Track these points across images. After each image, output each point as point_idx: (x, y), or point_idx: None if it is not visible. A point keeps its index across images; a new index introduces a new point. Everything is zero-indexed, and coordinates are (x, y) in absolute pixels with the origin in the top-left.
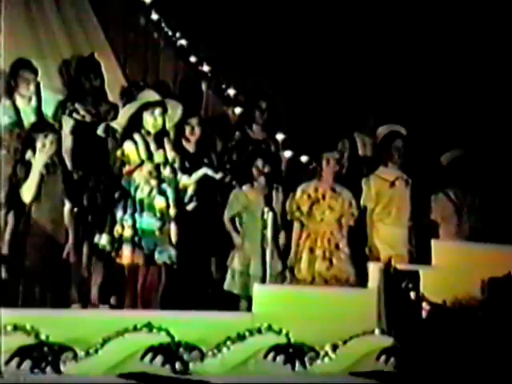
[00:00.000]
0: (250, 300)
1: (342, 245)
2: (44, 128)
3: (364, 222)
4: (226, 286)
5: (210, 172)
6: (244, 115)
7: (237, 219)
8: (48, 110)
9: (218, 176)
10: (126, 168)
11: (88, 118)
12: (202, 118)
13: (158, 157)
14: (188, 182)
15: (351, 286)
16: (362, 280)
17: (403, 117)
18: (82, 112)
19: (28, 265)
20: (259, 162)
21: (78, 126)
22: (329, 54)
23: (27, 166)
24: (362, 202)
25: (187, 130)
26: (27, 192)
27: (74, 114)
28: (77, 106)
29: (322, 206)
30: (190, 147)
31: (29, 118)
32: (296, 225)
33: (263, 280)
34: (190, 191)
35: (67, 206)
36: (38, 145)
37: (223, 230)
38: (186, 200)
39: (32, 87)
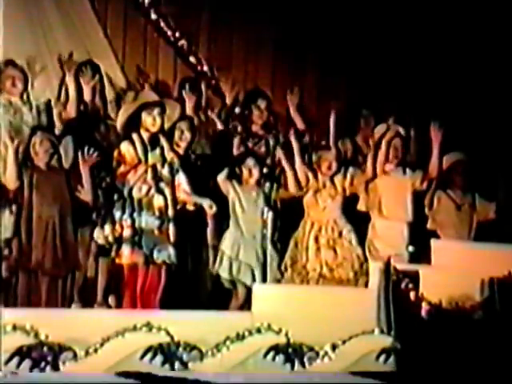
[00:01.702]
0: (246, 293)
1: (346, 232)
2: (44, 126)
3: (363, 218)
4: (215, 269)
5: (206, 206)
6: (243, 114)
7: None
8: (47, 108)
9: (212, 211)
10: (121, 169)
11: (89, 116)
12: (192, 122)
13: (156, 156)
14: (186, 199)
15: (356, 275)
16: (364, 271)
17: (404, 116)
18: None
19: (29, 264)
20: (250, 162)
21: (80, 124)
22: (329, 53)
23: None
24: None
25: (176, 134)
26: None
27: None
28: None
29: (324, 194)
30: (180, 151)
31: (26, 116)
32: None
33: (264, 279)
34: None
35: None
36: (39, 142)
37: (223, 229)
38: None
39: (20, 85)
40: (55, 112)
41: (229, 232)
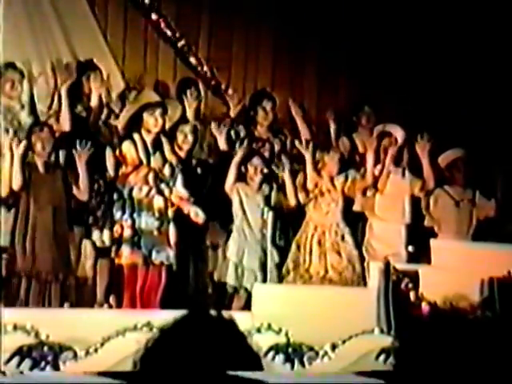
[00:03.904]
0: (247, 295)
1: (347, 236)
2: (40, 126)
3: (361, 218)
4: (220, 277)
5: (193, 214)
6: (246, 116)
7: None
8: (44, 109)
9: (199, 218)
10: (123, 169)
11: (84, 114)
12: (195, 125)
13: (157, 157)
14: (179, 203)
15: (358, 277)
16: (365, 273)
17: (404, 116)
18: (79, 111)
19: (28, 264)
20: (256, 161)
21: (76, 125)
22: (331, 52)
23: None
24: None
25: (180, 138)
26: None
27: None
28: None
29: (327, 198)
30: (182, 154)
31: (24, 119)
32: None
33: (264, 279)
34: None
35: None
36: (36, 143)
37: (223, 229)
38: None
39: (19, 87)
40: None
41: (232, 238)
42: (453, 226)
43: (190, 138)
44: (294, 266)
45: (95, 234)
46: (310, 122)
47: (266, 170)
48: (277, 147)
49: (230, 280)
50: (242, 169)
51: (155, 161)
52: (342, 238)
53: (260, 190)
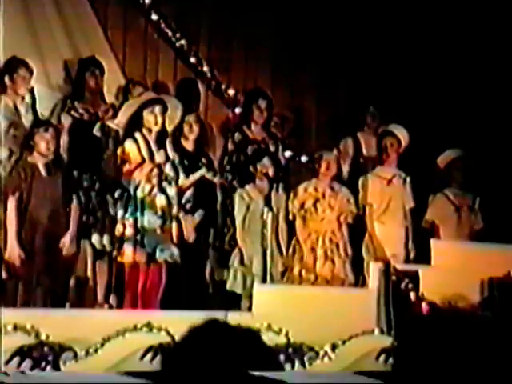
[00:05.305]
0: (251, 299)
1: (342, 244)
2: (44, 127)
3: (362, 221)
4: (228, 286)
5: (207, 174)
6: (243, 115)
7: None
8: (45, 109)
9: (216, 179)
10: (127, 167)
11: (86, 117)
12: (199, 115)
13: (159, 156)
14: (185, 182)
15: (349, 285)
16: (358, 280)
17: (404, 116)
18: (80, 110)
19: (28, 264)
20: (266, 161)
21: (76, 125)
22: (331, 52)
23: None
24: (359, 202)
25: (185, 127)
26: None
27: (72, 112)
28: (75, 104)
29: (323, 204)
30: (188, 146)
31: (26, 117)
32: (298, 223)
33: (264, 279)
34: (187, 193)
35: (74, 202)
36: (39, 143)
37: (224, 229)
38: (184, 201)
39: (27, 85)
40: None
41: (242, 245)
42: (452, 233)
43: (196, 127)
44: (287, 270)
45: (95, 237)
46: (310, 122)
47: (275, 171)
48: (272, 148)
49: (238, 290)
50: (251, 169)
51: (157, 159)
52: (337, 246)
53: (264, 194)
